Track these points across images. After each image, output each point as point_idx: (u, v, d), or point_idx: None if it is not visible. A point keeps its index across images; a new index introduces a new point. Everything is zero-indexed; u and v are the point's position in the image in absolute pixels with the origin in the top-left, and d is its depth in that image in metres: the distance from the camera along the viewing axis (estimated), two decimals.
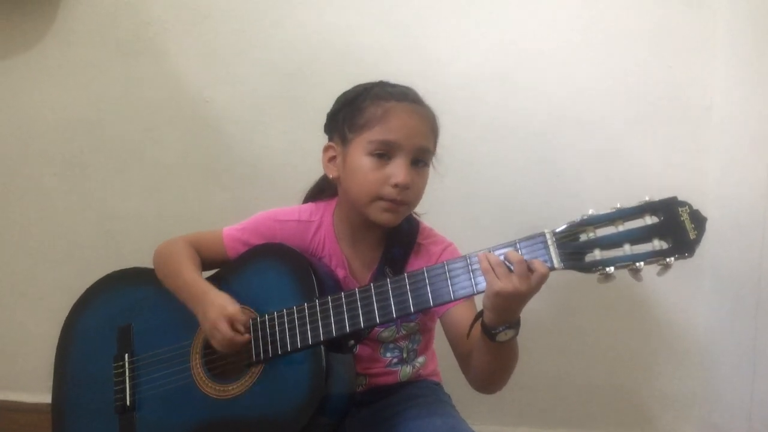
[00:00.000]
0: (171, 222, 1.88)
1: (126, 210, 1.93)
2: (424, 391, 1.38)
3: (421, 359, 1.41)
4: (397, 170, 1.23)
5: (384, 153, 1.24)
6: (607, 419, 1.91)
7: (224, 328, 1.19)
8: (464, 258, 1.10)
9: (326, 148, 1.34)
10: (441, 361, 1.48)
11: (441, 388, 1.44)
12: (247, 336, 1.21)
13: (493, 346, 1.12)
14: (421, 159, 1.27)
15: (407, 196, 1.25)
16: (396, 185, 1.23)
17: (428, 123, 1.29)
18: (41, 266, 2.01)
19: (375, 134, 1.24)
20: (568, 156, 1.73)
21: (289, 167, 1.78)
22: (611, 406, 1.90)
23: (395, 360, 1.37)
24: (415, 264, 1.33)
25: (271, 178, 1.78)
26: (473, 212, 1.79)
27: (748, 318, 1.66)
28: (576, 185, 1.73)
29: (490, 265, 1.05)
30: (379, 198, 1.24)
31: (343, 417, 1.25)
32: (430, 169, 1.33)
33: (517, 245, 1.06)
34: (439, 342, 1.42)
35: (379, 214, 1.26)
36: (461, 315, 1.26)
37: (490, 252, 1.07)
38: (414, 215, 1.40)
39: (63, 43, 1.83)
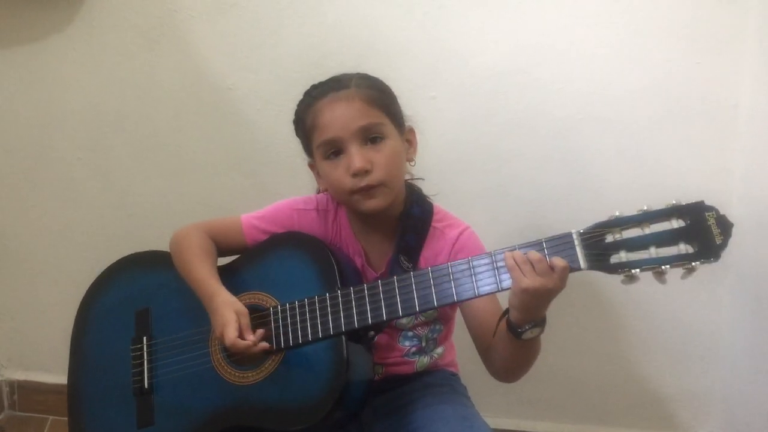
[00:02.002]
0: (192, 208, 1.93)
1: (148, 195, 1.96)
2: (439, 381, 1.42)
3: (439, 350, 1.44)
4: (349, 160, 1.26)
5: (333, 151, 1.29)
6: (627, 415, 1.94)
7: (232, 338, 1.21)
8: (489, 255, 1.13)
9: (310, 167, 1.41)
10: (458, 352, 1.52)
11: (457, 379, 1.48)
12: (253, 341, 1.23)
13: (518, 343, 1.15)
14: (371, 136, 1.28)
15: (374, 177, 1.26)
16: (355, 174, 1.25)
17: (356, 101, 1.28)
18: (64, 249, 2.05)
19: (317, 140, 1.30)
20: (591, 153, 1.74)
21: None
22: (631, 402, 1.93)
23: (414, 349, 1.40)
24: (430, 249, 1.36)
25: (293, 166, 1.79)
26: (494, 207, 1.81)
27: None
28: (598, 182, 1.75)
29: (516, 262, 1.08)
30: (351, 192, 1.28)
31: (361, 407, 1.30)
32: (418, 133, 1.38)
33: (544, 244, 1.09)
34: (458, 332, 1.46)
35: (362, 205, 1.29)
36: (483, 308, 1.28)
37: (515, 250, 1.10)
38: (427, 198, 1.42)
39: (89, 28, 1.84)
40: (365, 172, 1.25)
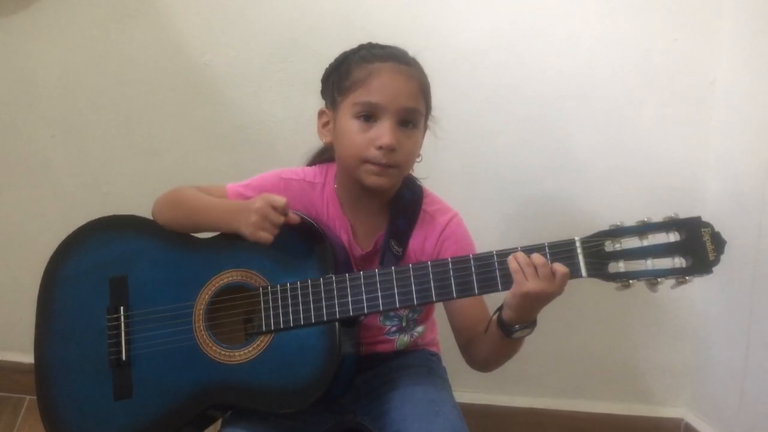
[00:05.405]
0: (169, 186, 1.85)
1: (124, 173, 1.95)
2: (417, 361, 1.46)
3: (419, 329, 1.48)
4: (382, 132, 1.28)
5: (369, 115, 1.29)
6: (601, 389, 2.04)
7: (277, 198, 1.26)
8: (491, 254, 1.17)
9: (320, 114, 1.40)
10: (440, 329, 1.56)
11: (437, 359, 1.52)
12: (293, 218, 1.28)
13: (505, 341, 1.22)
14: (409, 120, 1.31)
15: (395, 158, 1.29)
16: (381, 147, 1.28)
17: (415, 83, 1.32)
18: (38, 228, 2.02)
19: (359, 96, 1.30)
20: (571, 129, 1.80)
21: (289, 133, 1.81)
22: (605, 376, 2.03)
23: (394, 328, 1.44)
24: (419, 234, 1.40)
25: (271, 143, 1.81)
26: (474, 184, 1.86)
27: (743, 291, 1.75)
28: (578, 158, 1.81)
29: (519, 265, 1.13)
30: (366, 161, 1.30)
31: (347, 390, 1.34)
32: (429, 133, 1.40)
33: (546, 249, 1.14)
34: (441, 311, 1.50)
35: (368, 177, 1.31)
36: (467, 302, 1.33)
37: (518, 252, 1.15)
38: (417, 181, 1.46)
39: (62, 1, 1.79)
40: (391, 150, 1.28)
